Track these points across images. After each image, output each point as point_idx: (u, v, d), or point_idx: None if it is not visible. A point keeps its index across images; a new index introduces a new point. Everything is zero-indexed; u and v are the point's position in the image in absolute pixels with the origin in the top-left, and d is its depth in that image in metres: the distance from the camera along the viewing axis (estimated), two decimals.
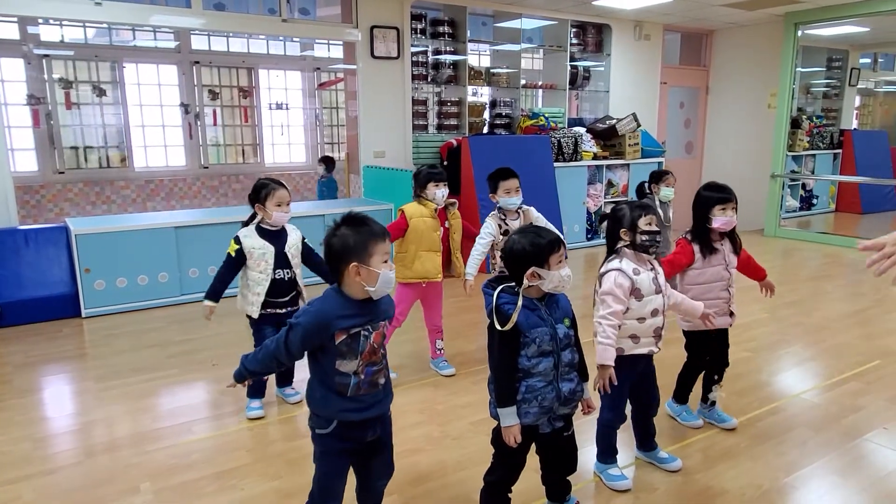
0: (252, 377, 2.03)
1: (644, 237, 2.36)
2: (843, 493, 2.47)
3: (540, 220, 3.74)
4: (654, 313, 2.40)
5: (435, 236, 3.47)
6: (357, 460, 2.01)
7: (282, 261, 3.07)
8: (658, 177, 4.69)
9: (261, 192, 3.04)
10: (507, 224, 3.60)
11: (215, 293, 3.08)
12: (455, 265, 3.60)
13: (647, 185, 4.86)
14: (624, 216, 2.40)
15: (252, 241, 3.05)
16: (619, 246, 2.41)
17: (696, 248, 2.77)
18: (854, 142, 9.47)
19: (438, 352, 3.67)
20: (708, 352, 2.94)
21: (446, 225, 3.58)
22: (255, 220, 3.09)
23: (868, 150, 9.58)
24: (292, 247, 3.12)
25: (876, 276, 1.63)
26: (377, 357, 1.90)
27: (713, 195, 2.74)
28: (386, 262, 1.86)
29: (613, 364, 2.26)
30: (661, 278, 2.45)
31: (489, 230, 3.56)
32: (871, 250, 1.63)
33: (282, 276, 3.07)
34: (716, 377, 2.98)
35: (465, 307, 4.81)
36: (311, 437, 1.98)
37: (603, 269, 2.43)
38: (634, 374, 2.48)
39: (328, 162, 7.83)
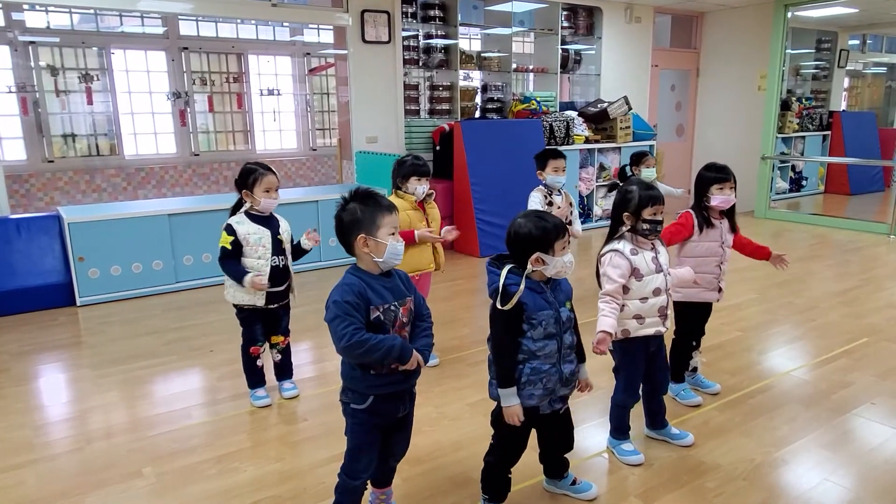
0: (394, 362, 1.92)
1: (645, 226, 2.37)
2: (833, 466, 2.53)
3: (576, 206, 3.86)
4: (657, 292, 2.42)
5: (421, 227, 3.38)
6: (382, 436, 2.06)
7: (277, 247, 3.00)
8: (638, 158, 4.89)
9: (248, 177, 2.92)
10: (551, 197, 3.90)
11: (242, 274, 2.91)
12: (435, 256, 3.54)
13: (628, 167, 4.96)
14: (630, 200, 2.38)
15: (246, 227, 2.93)
16: (620, 230, 2.43)
17: (695, 222, 2.88)
18: (843, 123, 9.53)
19: None
20: (694, 322, 3.06)
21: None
22: (244, 208, 2.97)
23: (856, 131, 9.65)
24: (285, 233, 3.05)
25: None
26: (405, 332, 1.98)
27: (710, 175, 2.87)
28: (393, 234, 1.94)
29: (611, 331, 2.29)
30: (663, 258, 2.47)
31: (536, 202, 3.81)
32: None
33: (277, 262, 2.99)
34: (694, 343, 3.12)
35: (459, 291, 4.84)
36: (342, 411, 2.03)
37: (602, 251, 2.47)
38: (647, 354, 2.52)
39: None
